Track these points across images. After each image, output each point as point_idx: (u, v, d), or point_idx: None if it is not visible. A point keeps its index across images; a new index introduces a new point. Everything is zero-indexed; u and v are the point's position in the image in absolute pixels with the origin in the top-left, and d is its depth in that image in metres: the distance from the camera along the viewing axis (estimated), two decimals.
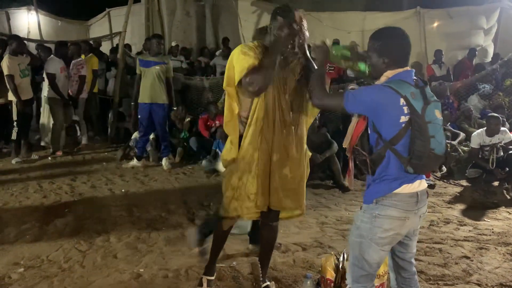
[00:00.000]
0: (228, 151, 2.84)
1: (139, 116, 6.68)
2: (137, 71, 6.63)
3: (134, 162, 6.84)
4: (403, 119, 2.13)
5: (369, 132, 2.28)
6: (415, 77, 2.23)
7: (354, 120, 2.38)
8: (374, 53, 2.27)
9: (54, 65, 7.14)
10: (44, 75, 7.18)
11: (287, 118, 2.78)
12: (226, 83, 2.78)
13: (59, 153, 7.37)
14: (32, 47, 9.47)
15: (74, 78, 7.61)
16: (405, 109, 2.11)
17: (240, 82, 2.67)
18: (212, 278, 3.18)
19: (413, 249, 2.42)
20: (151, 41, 6.77)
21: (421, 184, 2.27)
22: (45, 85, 7.25)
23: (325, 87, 2.46)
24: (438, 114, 2.17)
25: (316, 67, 2.65)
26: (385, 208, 2.21)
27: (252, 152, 2.75)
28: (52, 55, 7.37)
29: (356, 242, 2.30)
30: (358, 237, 2.29)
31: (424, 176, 2.30)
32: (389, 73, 2.23)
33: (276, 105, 2.74)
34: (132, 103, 6.89)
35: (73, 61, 7.64)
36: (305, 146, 2.93)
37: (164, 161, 6.83)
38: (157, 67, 6.45)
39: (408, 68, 2.24)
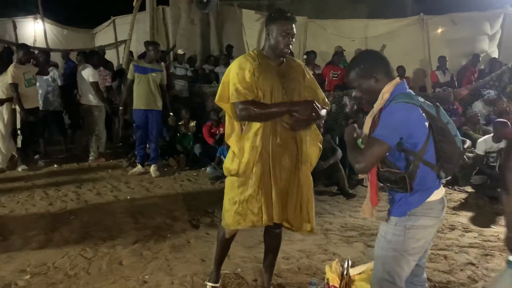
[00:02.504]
0: (231, 160, 2.83)
1: (134, 123, 6.69)
2: (129, 76, 6.61)
3: (139, 168, 6.87)
4: (426, 125, 2.15)
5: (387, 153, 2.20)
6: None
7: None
8: (361, 78, 2.28)
9: (95, 73, 7.32)
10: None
11: (285, 128, 2.76)
12: (219, 97, 2.79)
13: (103, 159, 7.55)
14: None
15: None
16: (424, 115, 2.14)
17: (233, 102, 2.70)
18: (217, 285, 3.19)
19: (428, 253, 2.45)
20: (148, 48, 6.75)
21: (442, 188, 2.30)
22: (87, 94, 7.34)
23: (358, 149, 2.27)
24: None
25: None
26: (418, 218, 2.21)
27: (252, 166, 2.73)
28: (86, 64, 7.46)
29: (388, 256, 2.27)
30: (391, 251, 2.26)
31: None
32: (387, 89, 2.22)
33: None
34: (121, 108, 6.83)
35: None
36: (308, 163, 2.88)
37: (152, 168, 6.82)
38: (154, 74, 6.49)
39: (398, 79, 2.26)
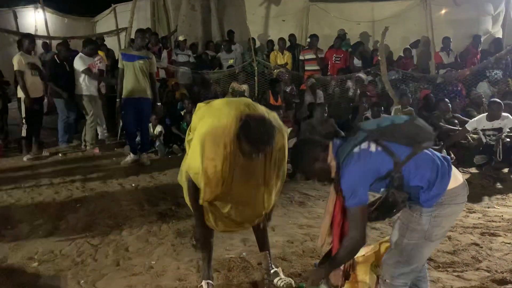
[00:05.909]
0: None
1: (122, 112, 6.60)
2: (119, 65, 6.46)
3: (132, 156, 6.72)
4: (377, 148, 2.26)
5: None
6: None
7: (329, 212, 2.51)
8: (309, 167, 2.41)
9: (85, 62, 7.22)
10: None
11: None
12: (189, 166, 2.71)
13: (96, 150, 7.35)
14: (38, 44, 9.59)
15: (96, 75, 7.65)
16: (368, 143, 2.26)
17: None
18: (211, 281, 3.07)
19: None
20: (135, 35, 6.60)
21: (457, 171, 2.33)
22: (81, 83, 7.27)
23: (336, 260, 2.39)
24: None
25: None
26: (445, 207, 2.23)
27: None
28: (80, 53, 7.40)
29: (411, 244, 2.28)
30: (415, 239, 2.27)
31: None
32: (330, 158, 2.34)
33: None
34: (118, 100, 6.57)
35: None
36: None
37: (144, 156, 6.73)
38: (141, 61, 6.30)
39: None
